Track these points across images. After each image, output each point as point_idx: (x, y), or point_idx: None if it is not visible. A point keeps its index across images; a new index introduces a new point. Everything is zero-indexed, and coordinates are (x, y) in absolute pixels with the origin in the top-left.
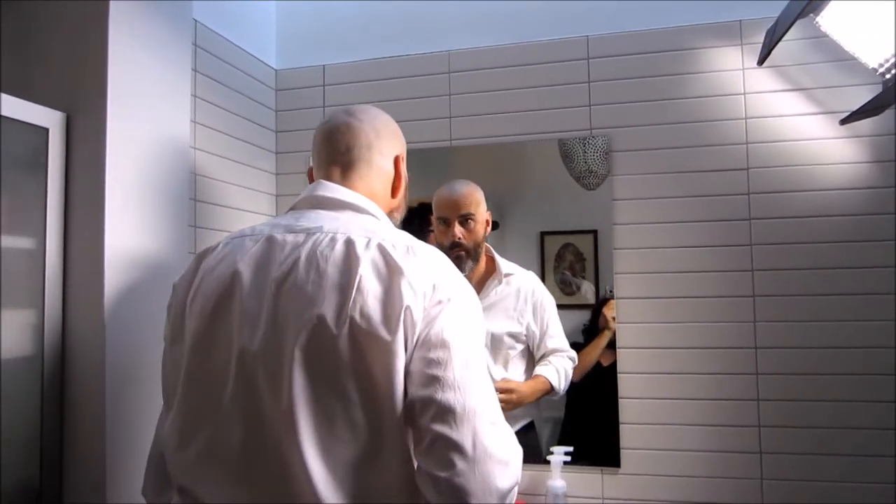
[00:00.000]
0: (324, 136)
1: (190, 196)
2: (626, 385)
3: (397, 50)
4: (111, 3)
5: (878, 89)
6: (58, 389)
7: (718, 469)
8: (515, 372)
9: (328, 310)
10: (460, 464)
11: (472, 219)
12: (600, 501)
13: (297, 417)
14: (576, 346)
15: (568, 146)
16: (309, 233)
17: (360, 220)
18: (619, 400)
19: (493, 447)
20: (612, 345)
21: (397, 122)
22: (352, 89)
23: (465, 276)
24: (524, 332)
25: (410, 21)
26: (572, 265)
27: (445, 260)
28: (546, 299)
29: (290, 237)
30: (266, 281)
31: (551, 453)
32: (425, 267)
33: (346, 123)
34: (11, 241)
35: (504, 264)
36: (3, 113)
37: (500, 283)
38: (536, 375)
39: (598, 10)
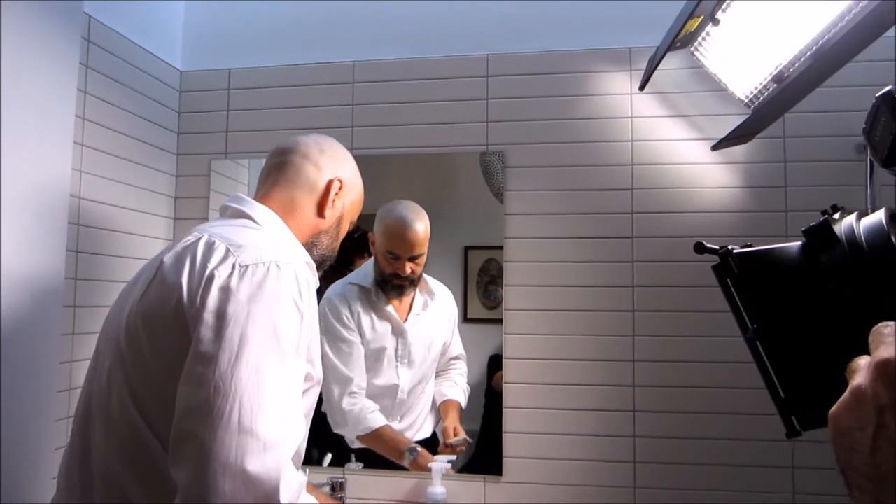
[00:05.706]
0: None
1: (72, 193)
2: (511, 395)
3: (304, 58)
4: None
5: None
6: None
7: (595, 477)
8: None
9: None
10: (205, 473)
11: (422, 254)
12: None
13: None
14: (498, 358)
15: (488, 162)
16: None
17: (234, 227)
18: (504, 410)
19: (249, 463)
20: None
21: (300, 128)
22: (257, 94)
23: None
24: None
25: (318, 30)
26: (495, 279)
27: (287, 272)
28: (455, 311)
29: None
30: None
31: (435, 461)
32: (246, 270)
33: (295, 137)
34: None
35: (431, 281)
36: None
37: (432, 299)
38: (450, 401)
39: (499, 31)
